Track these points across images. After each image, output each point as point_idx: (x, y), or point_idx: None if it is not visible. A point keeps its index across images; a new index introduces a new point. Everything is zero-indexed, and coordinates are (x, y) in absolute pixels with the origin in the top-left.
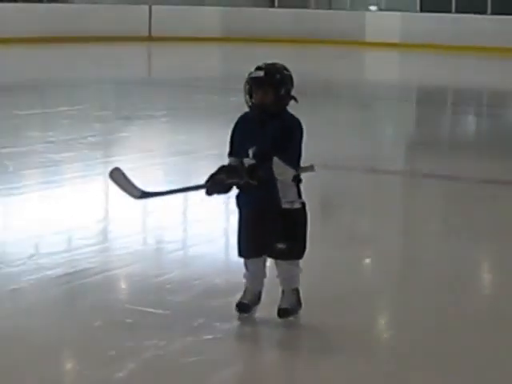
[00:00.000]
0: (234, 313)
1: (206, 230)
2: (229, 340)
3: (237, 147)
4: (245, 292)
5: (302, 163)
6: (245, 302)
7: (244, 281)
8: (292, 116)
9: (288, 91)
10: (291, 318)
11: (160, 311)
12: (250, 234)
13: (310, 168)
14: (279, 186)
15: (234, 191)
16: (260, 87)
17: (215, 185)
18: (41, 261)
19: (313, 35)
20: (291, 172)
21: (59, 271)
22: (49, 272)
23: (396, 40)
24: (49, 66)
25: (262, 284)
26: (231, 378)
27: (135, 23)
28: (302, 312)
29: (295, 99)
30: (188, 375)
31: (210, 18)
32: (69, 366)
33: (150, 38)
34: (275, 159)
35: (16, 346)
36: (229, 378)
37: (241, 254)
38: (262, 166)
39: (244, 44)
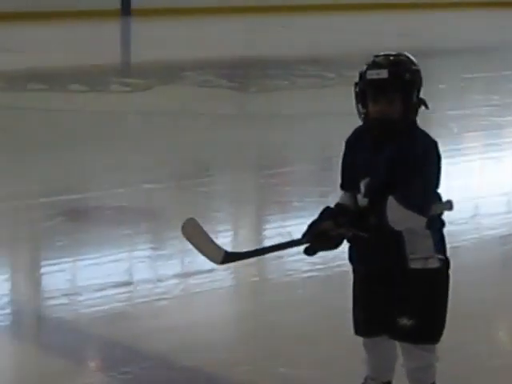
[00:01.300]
0: None
1: None
2: None
3: (348, 177)
4: (365, 381)
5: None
6: None
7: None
8: (424, 134)
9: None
10: None
11: None
12: (365, 303)
13: (447, 205)
14: (406, 236)
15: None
16: (382, 94)
17: (318, 239)
18: (482, 221)
19: None
20: (417, 219)
21: (501, 232)
22: (490, 232)
23: None
24: (499, 29)
25: (390, 371)
26: None
27: None
28: None
29: (426, 105)
30: None
31: None
32: None
33: None
34: (391, 200)
35: None
36: None
37: (357, 331)
38: (378, 208)
39: None
